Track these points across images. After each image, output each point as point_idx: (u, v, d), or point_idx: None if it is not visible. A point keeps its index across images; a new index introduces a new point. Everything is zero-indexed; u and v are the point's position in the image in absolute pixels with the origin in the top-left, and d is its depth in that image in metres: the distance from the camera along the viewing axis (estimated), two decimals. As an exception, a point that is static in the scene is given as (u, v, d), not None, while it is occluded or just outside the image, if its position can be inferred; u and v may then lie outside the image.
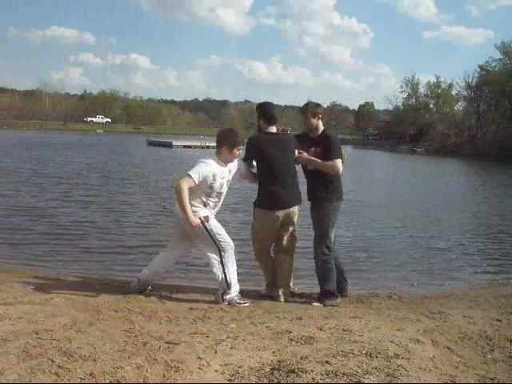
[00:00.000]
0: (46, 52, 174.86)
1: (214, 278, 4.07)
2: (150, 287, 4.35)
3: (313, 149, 4.20)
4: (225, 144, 3.93)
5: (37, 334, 2.88)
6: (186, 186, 3.73)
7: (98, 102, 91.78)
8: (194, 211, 3.83)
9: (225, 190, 4.05)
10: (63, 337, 2.85)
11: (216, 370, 2.50)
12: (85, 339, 2.84)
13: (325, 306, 4.18)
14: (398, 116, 76.27)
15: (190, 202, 3.79)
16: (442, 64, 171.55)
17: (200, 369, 2.51)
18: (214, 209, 4.07)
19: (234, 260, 4.07)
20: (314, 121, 4.20)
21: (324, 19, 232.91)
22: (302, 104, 4.45)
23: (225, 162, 3.97)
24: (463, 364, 2.75)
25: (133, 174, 16.18)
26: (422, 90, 76.90)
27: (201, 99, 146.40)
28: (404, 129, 72.08)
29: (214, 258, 3.98)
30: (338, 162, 4.11)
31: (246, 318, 3.54)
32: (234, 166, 4.12)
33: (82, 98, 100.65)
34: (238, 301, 4.01)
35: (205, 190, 3.90)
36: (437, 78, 74.74)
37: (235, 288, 4.04)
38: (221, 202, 4.12)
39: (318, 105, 4.36)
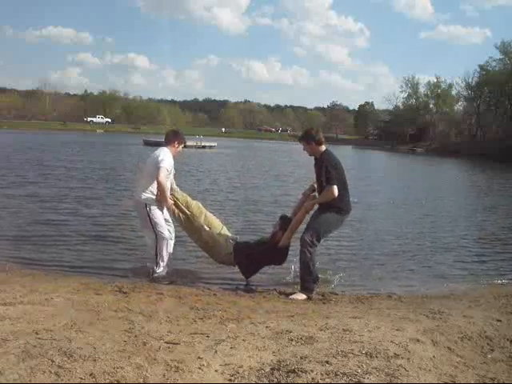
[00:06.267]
0: (45, 52, 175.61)
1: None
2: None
3: (314, 169, 4.75)
4: (175, 140, 4.95)
5: (37, 334, 2.87)
6: (165, 178, 4.66)
7: (98, 102, 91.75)
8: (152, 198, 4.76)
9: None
10: (63, 337, 2.85)
11: (216, 370, 2.50)
12: (85, 339, 2.84)
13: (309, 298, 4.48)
14: (398, 116, 76.22)
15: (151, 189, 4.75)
16: (440, 63, 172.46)
17: (200, 369, 2.51)
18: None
19: (168, 247, 4.90)
20: (309, 146, 4.71)
21: (321, 18, 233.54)
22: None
23: (175, 155, 4.93)
24: (463, 364, 2.75)
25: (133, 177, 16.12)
26: (421, 89, 77.01)
27: (201, 99, 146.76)
28: (404, 129, 72.07)
29: (151, 241, 4.86)
30: (330, 188, 4.46)
31: (245, 318, 3.54)
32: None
33: (82, 98, 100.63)
34: (160, 279, 4.82)
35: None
36: (437, 78, 74.85)
37: (162, 269, 4.91)
38: None
39: (308, 131, 4.80)
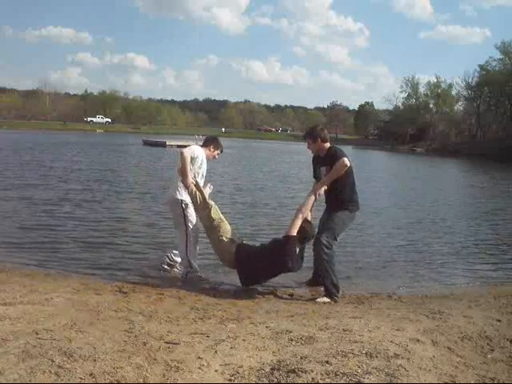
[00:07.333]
0: (45, 52, 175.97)
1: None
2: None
3: (323, 168, 4.69)
4: (212, 144, 5.19)
5: (37, 334, 2.87)
6: (188, 154, 4.73)
7: (98, 102, 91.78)
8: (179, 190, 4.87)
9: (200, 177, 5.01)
10: (63, 337, 2.85)
11: (216, 370, 2.50)
12: (85, 339, 2.84)
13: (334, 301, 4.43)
14: (398, 116, 76.24)
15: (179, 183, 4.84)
16: (440, 63, 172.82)
17: (200, 369, 2.51)
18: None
19: (197, 245, 5.02)
20: (315, 144, 4.71)
21: (320, 18, 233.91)
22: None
23: (208, 157, 5.12)
24: (463, 364, 2.75)
25: (133, 178, 16.12)
26: (421, 89, 77.06)
27: (201, 99, 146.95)
28: (404, 129, 72.10)
29: (181, 238, 4.90)
30: (342, 160, 4.47)
31: (245, 318, 3.55)
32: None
33: (82, 98, 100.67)
34: (197, 276, 4.97)
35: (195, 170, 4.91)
36: (437, 78, 74.91)
37: (195, 268, 4.97)
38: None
39: (313, 129, 4.83)
